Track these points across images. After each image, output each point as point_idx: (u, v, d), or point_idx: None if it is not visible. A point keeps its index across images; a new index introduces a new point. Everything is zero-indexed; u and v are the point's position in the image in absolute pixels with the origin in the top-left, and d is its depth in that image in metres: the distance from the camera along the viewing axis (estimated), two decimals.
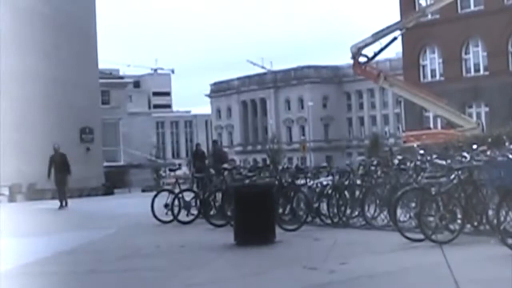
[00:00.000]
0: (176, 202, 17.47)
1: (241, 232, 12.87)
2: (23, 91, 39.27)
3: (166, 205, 17.46)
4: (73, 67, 42.17)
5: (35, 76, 39.95)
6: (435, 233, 11.79)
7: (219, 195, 17.03)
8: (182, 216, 17.43)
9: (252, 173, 16.55)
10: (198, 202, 17.55)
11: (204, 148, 36.77)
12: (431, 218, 12.01)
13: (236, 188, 13.51)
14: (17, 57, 39.21)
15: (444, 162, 13.16)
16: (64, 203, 25.80)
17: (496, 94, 45.60)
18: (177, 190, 17.86)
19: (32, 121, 39.54)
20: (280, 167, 16.73)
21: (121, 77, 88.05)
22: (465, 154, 13.25)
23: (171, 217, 17.34)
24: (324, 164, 18.02)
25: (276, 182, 15.55)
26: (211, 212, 17.09)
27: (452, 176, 12.29)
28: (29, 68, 39.64)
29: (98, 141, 46.10)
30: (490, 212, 11.97)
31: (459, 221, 12.00)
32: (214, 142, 33.43)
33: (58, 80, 41.21)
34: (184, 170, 39.78)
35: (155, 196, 17.98)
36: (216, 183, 17.66)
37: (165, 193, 18.19)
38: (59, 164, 26.12)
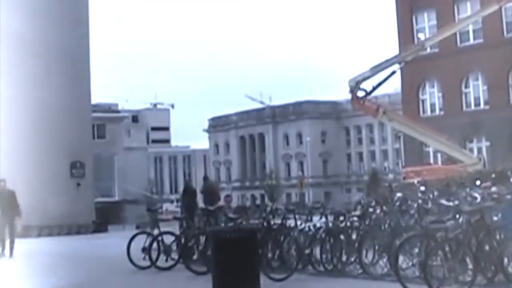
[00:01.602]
0: (155, 245, 15.92)
1: (220, 285, 11.29)
2: (9, 124, 37.99)
3: (143, 249, 15.91)
4: (64, 100, 41.01)
5: (22, 108, 38.71)
6: (442, 285, 10.31)
7: (203, 238, 15.46)
8: (161, 261, 15.86)
9: (237, 214, 15.05)
10: (179, 245, 15.98)
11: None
12: (437, 268, 10.52)
13: (214, 233, 11.94)
14: (4, 89, 37.98)
15: (450, 203, 11.72)
16: (10, 251, 21.40)
17: (497, 128, 44.49)
18: (156, 232, 16.30)
19: (18, 156, 38.17)
20: (268, 208, 15.17)
21: (117, 111, 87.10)
22: (475, 194, 11.79)
23: (149, 263, 15.78)
24: (318, 204, 16.43)
25: (264, 224, 14.05)
26: (194, 257, 15.54)
27: (461, 220, 10.81)
28: (17, 100, 38.42)
29: (89, 176, 44.77)
30: (506, 261, 10.49)
31: (470, 271, 10.55)
32: (205, 178, 31.80)
33: (48, 112, 40.03)
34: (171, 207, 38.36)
35: (132, 238, 16.41)
36: (199, 225, 16.14)
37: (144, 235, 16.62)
38: (6, 204, 21.96)
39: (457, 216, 11.04)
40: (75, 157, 42.83)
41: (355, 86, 37.03)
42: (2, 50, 38.26)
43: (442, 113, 48.85)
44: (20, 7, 39.55)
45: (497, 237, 10.90)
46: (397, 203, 13.90)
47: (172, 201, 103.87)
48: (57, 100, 40.49)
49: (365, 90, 37.28)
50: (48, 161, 39.40)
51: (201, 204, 23.52)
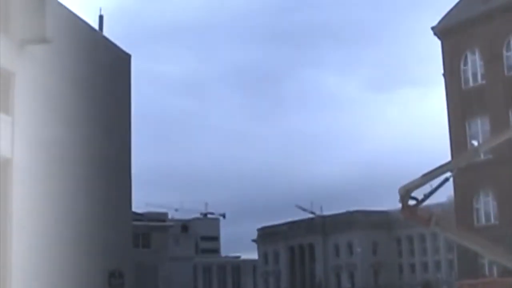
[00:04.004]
0: None
1: None
2: (45, 231, 36.99)
3: None
4: (103, 209, 40.16)
5: (58, 214, 37.74)
6: None
7: None
8: None
9: None
10: None
11: None
12: None
13: None
14: (38, 194, 37.20)
15: None
16: None
17: None
18: None
19: (54, 265, 37.01)
20: None
21: (163, 220, 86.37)
22: None
23: None
24: None
25: None
26: None
27: None
28: (52, 206, 37.50)
29: (129, 285, 43.58)
30: None
31: None
32: None
33: (86, 220, 39.07)
34: None
35: None
36: None
37: None
38: None
39: None
40: (114, 266, 41.80)
41: (405, 194, 35.41)
42: (39, 158, 37.65)
43: (497, 222, 46.99)
44: (62, 116, 39.28)
45: None
46: None
47: None
48: (96, 209, 39.64)
49: (416, 199, 35.67)
50: (85, 270, 38.24)
51: None
